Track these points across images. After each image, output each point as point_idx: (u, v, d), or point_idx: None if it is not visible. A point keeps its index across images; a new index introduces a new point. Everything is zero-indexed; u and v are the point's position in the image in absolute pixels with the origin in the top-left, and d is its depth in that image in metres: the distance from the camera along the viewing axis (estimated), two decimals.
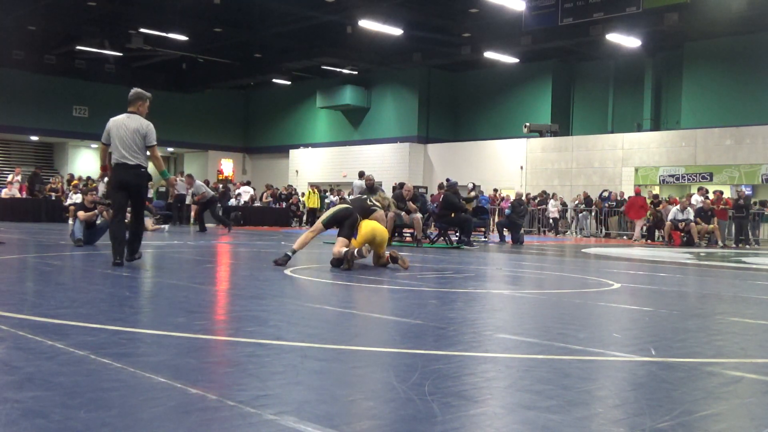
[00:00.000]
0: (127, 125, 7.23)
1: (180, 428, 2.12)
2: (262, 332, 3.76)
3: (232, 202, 26.77)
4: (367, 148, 33.63)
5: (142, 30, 26.67)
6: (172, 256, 9.73)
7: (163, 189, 23.13)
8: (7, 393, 2.43)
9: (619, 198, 24.54)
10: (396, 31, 24.27)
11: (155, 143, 7.33)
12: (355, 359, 3.23)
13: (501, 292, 6.57)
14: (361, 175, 19.87)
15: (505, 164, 29.77)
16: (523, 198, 20.70)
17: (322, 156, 35.59)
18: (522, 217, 18.03)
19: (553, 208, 25.35)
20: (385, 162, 31.69)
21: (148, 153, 7.40)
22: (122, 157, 7.22)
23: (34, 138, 34.86)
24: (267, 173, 38.62)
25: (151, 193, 25.17)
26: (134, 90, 7.49)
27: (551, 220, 25.41)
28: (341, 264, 7.66)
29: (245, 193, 27.48)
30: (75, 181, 24.54)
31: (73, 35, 28.54)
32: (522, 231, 17.79)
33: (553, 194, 26.00)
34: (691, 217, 19.42)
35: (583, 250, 15.07)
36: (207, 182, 28.31)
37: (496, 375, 2.99)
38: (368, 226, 8.03)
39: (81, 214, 10.59)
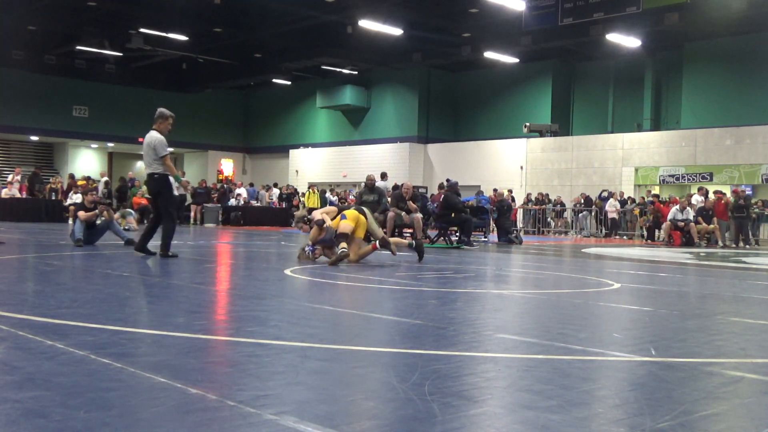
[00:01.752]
0: (145, 141, 8.70)
1: (180, 428, 2.12)
2: (262, 332, 3.76)
3: (232, 201, 26.79)
4: (367, 148, 33.61)
5: (142, 30, 26.66)
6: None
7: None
8: (7, 393, 2.43)
9: (619, 198, 24.53)
10: (396, 31, 24.26)
11: (164, 153, 8.58)
12: (355, 359, 3.23)
13: (501, 292, 6.57)
14: (384, 176, 20.02)
15: (505, 164, 29.76)
16: (505, 196, 20.59)
17: (322, 156, 35.59)
18: (509, 218, 18.07)
19: (611, 208, 23.49)
20: (385, 162, 31.64)
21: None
22: (145, 169, 8.82)
23: (34, 138, 34.84)
24: (267, 173, 38.61)
25: None
26: (158, 110, 8.87)
27: (610, 221, 23.66)
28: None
29: (275, 195, 27.83)
30: (81, 181, 24.49)
31: (73, 35, 28.53)
32: (516, 230, 17.74)
33: (612, 193, 24.29)
34: (691, 217, 19.42)
35: (583, 250, 15.07)
36: (204, 182, 28.36)
37: (496, 375, 2.99)
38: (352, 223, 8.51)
39: (81, 214, 10.59)
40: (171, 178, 8.84)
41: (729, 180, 24.44)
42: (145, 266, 7.68)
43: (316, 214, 8.79)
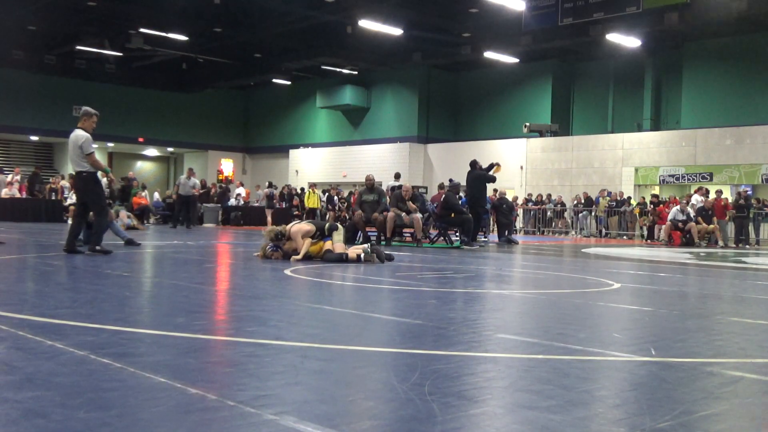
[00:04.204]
0: (71, 139, 8.72)
1: (180, 428, 2.12)
2: (262, 332, 3.76)
3: (232, 201, 26.79)
4: (367, 148, 33.60)
5: (142, 30, 26.66)
6: (172, 256, 9.73)
7: (170, 194, 23.24)
8: (7, 393, 2.43)
9: (619, 198, 24.53)
10: (396, 31, 24.25)
11: (90, 151, 8.64)
12: (355, 359, 3.23)
13: (501, 292, 6.57)
14: (398, 176, 20.12)
15: (505, 164, 29.70)
16: (506, 196, 20.64)
17: (322, 156, 35.59)
18: (507, 216, 18.08)
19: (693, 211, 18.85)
20: (385, 162, 31.66)
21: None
22: (73, 168, 8.92)
23: (34, 138, 34.84)
24: (267, 173, 38.58)
25: (157, 196, 25.34)
26: (83, 108, 9.00)
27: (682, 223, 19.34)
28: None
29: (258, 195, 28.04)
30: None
31: (73, 35, 28.52)
32: (510, 230, 17.75)
33: (689, 194, 21.79)
34: (692, 216, 19.40)
35: (583, 250, 15.07)
36: (204, 182, 28.36)
37: (496, 375, 2.99)
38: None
39: None
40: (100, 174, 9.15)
41: (729, 180, 24.44)
42: (144, 266, 7.69)
43: (296, 234, 8.83)
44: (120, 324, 3.87)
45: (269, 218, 24.57)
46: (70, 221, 18.35)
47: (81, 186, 8.86)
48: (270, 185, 26.98)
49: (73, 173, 8.97)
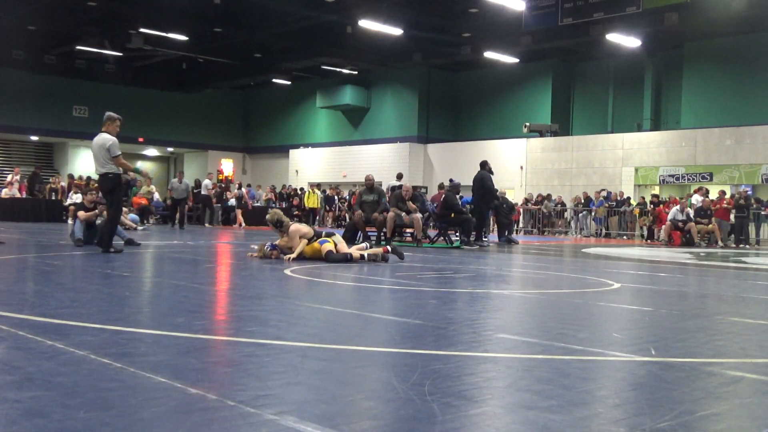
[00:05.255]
0: (97, 143, 9.04)
1: (180, 428, 2.12)
2: (262, 332, 3.76)
3: (232, 201, 26.76)
4: (367, 148, 33.61)
5: (142, 30, 26.66)
6: (171, 256, 9.73)
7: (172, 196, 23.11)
8: (7, 393, 2.43)
9: (619, 198, 24.52)
10: (396, 31, 24.25)
11: (118, 153, 8.95)
12: (355, 359, 3.23)
13: (501, 292, 6.57)
14: (400, 176, 20.13)
15: (505, 164, 29.74)
16: (507, 196, 20.63)
17: (322, 156, 35.59)
18: (508, 216, 18.10)
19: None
20: (385, 162, 31.66)
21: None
22: (96, 170, 9.18)
23: (34, 138, 34.83)
24: (267, 173, 38.59)
25: (157, 196, 25.36)
26: (106, 113, 9.36)
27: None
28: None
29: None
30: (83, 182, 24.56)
31: (73, 35, 28.53)
32: (511, 230, 17.75)
33: (689, 194, 21.52)
34: (691, 216, 19.41)
35: (583, 250, 15.07)
36: (198, 182, 28.34)
37: (496, 375, 2.99)
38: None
39: (81, 214, 10.60)
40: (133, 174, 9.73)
41: (729, 180, 24.43)
42: (145, 266, 7.69)
43: (295, 233, 8.87)
44: (120, 324, 3.87)
45: (239, 218, 24.81)
46: (70, 221, 18.42)
47: (107, 187, 9.13)
48: (239, 186, 27.16)
49: (98, 175, 9.28)
